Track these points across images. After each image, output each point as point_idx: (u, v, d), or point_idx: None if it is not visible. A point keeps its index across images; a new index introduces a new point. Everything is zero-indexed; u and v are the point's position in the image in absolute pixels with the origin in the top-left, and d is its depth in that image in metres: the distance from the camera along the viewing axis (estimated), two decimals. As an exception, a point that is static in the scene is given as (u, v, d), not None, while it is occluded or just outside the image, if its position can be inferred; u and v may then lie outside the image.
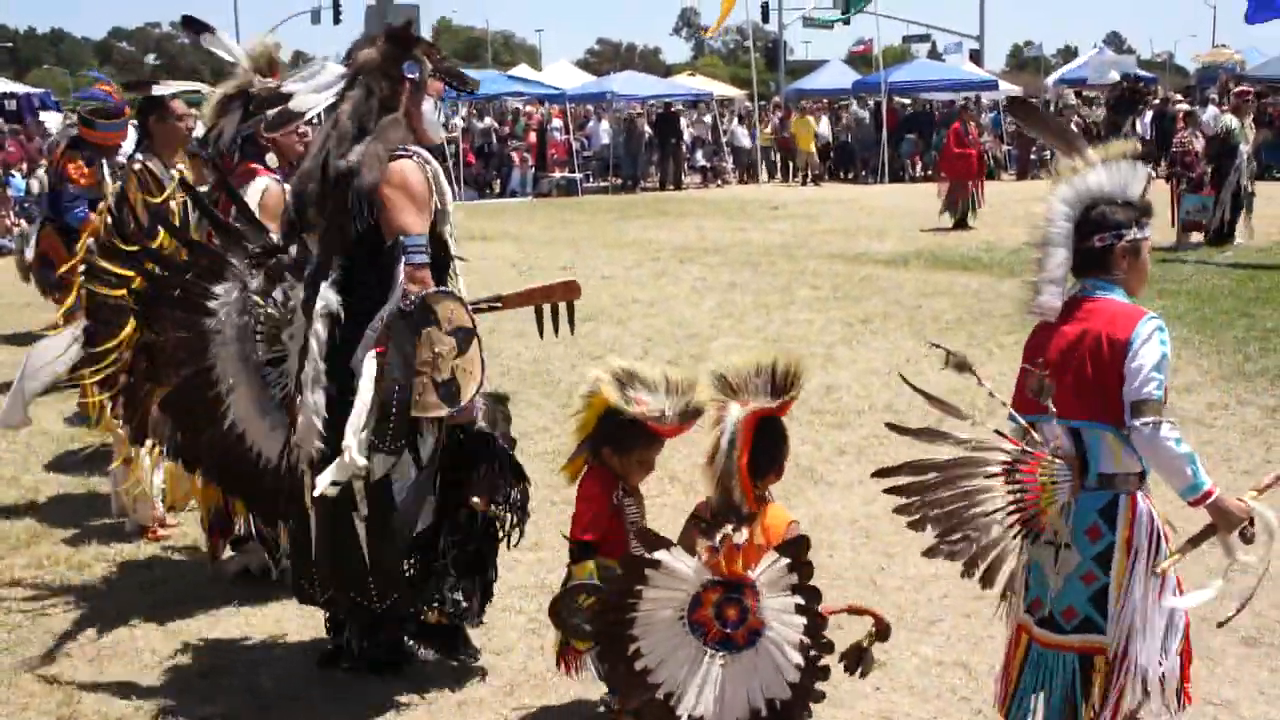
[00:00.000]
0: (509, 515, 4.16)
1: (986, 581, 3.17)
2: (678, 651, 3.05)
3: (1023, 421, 3.16)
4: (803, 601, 3.04)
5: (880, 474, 3.23)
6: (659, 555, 3.07)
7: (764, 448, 3.24)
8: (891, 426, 3.30)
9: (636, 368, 3.57)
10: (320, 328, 3.84)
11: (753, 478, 3.20)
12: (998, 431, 3.19)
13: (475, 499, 4.04)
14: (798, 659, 3.03)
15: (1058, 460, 3.11)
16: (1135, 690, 3.17)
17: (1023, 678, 3.32)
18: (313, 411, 3.81)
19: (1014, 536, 3.11)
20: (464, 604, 4.12)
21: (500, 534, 4.18)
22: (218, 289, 3.99)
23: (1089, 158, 3.27)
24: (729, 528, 3.10)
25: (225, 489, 4.55)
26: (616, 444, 3.58)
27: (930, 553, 3.12)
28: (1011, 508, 3.09)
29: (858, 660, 3.27)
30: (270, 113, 4.41)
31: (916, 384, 3.30)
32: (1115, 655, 3.16)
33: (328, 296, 3.85)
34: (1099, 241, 3.23)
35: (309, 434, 3.82)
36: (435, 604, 4.10)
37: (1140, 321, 3.11)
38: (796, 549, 3.07)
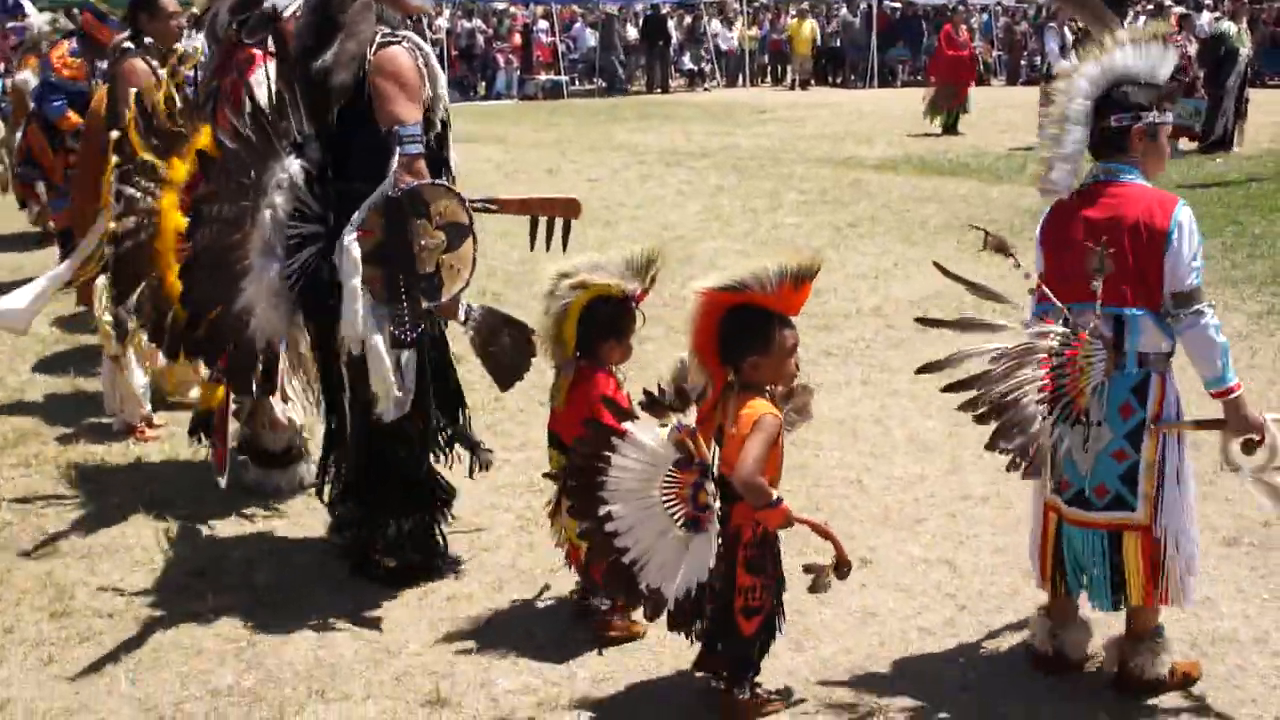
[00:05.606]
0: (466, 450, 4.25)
1: (1032, 474, 3.23)
2: (648, 523, 3.07)
3: (1060, 305, 3.16)
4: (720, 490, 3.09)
5: (925, 369, 3.30)
6: (626, 426, 3.12)
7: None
8: (922, 320, 3.36)
9: (591, 259, 3.64)
10: (279, 199, 3.73)
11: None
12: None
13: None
14: (717, 547, 3.05)
15: (1095, 341, 3.11)
16: (1179, 564, 3.22)
17: (1057, 556, 3.35)
18: (266, 288, 3.75)
19: (1053, 420, 3.14)
20: (404, 544, 4.08)
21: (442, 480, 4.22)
22: (265, 166, 3.78)
23: (1119, 36, 3.20)
24: (675, 414, 3.15)
25: (208, 360, 4.21)
26: (618, 331, 3.66)
27: (991, 446, 3.20)
28: (1051, 394, 3.12)
29: (814, 579, 3.16)
30: (249, 16, 4.27)
31: (949, 272, 3.34)
32: (1152, 531, 3.19)
33: (290, 168, 3.75)
34: (1115, 121, 3.19)
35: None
36: (380, 542, 4.09)
37: (1176, 209, 3.10)
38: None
